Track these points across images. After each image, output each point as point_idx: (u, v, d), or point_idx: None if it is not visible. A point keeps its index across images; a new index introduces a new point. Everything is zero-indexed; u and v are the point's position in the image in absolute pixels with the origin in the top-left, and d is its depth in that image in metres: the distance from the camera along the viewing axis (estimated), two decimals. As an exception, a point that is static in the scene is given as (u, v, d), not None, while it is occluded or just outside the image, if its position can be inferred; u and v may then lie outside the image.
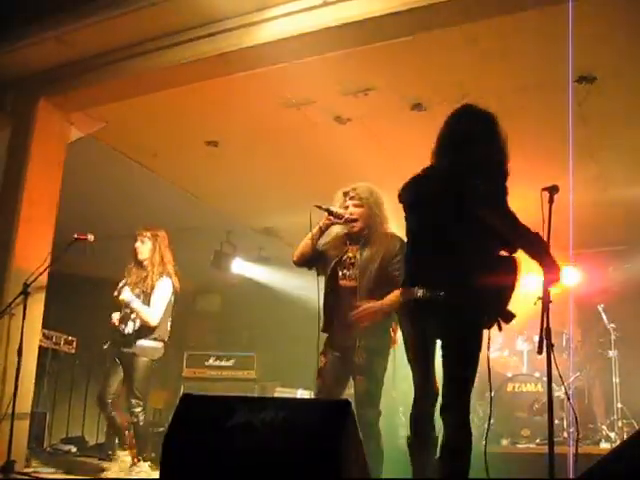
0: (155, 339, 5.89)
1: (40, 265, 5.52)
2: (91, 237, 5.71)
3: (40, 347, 5.99)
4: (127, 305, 5.83)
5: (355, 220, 4.60)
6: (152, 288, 5.86)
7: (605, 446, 6.92)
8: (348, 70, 5.73)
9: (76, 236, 5.64)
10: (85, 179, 7.45)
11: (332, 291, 4.60)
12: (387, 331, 4.55)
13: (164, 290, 5.92)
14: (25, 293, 5.36)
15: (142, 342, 5.83)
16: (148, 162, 7.53)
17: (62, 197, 6.29)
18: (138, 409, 5.81)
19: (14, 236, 5.92)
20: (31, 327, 5.62)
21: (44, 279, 5.78)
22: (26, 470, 5.64)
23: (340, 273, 4.61)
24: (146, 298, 5.85)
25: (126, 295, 5.80)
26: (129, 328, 5.84)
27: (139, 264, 6.02)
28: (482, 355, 3.39)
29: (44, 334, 5.89)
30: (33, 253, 5.81)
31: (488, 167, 3.52)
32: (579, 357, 7.89)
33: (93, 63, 5.89)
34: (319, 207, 4.56)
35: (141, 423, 5.83)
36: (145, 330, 5.84)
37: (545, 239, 3.45)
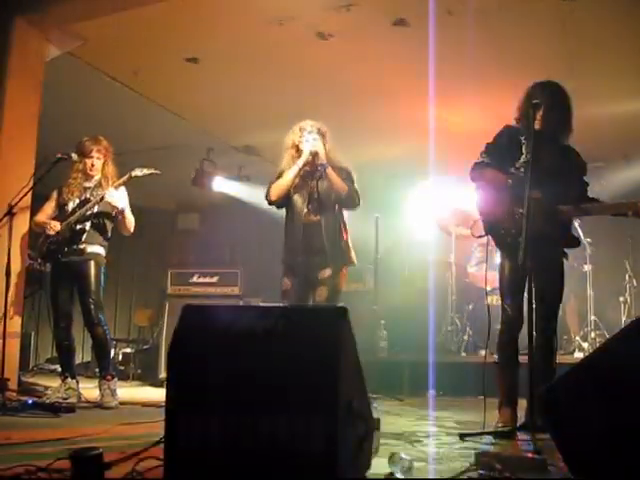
0: (104, 246, 5.70)
1: (24, 186, 5.42)
2: (74, 156, 5.58)
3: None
4: (120, 211, 5.54)
5: (316, 154, 5.01)
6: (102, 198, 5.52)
7: (579, 355, 7.17)
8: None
9: (59, 155, 5.47)
10: (66, 98, 7.36)
11: (302, 225, 5.00)
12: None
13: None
14: (10, 214, 5.32)
15: (94, 248, 5.60)
16: (128, 80, 7.43)
17: (44, 117, 6.23)
18: (102, 318, 5.53)
19: (-4, 156, 5.90)
20: (17, 247, 5.67)
21: (28, 199, 5.69)
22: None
23: (305, 209, 5.02)
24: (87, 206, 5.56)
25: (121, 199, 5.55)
26: (82, 236, 5.56)
27: (87, 177, 5.74)
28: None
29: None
30: (16, 173, 5.76)
31: None
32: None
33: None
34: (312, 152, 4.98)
35: (108, 335, 5.60)
36: (95, 236, 5.62)
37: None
